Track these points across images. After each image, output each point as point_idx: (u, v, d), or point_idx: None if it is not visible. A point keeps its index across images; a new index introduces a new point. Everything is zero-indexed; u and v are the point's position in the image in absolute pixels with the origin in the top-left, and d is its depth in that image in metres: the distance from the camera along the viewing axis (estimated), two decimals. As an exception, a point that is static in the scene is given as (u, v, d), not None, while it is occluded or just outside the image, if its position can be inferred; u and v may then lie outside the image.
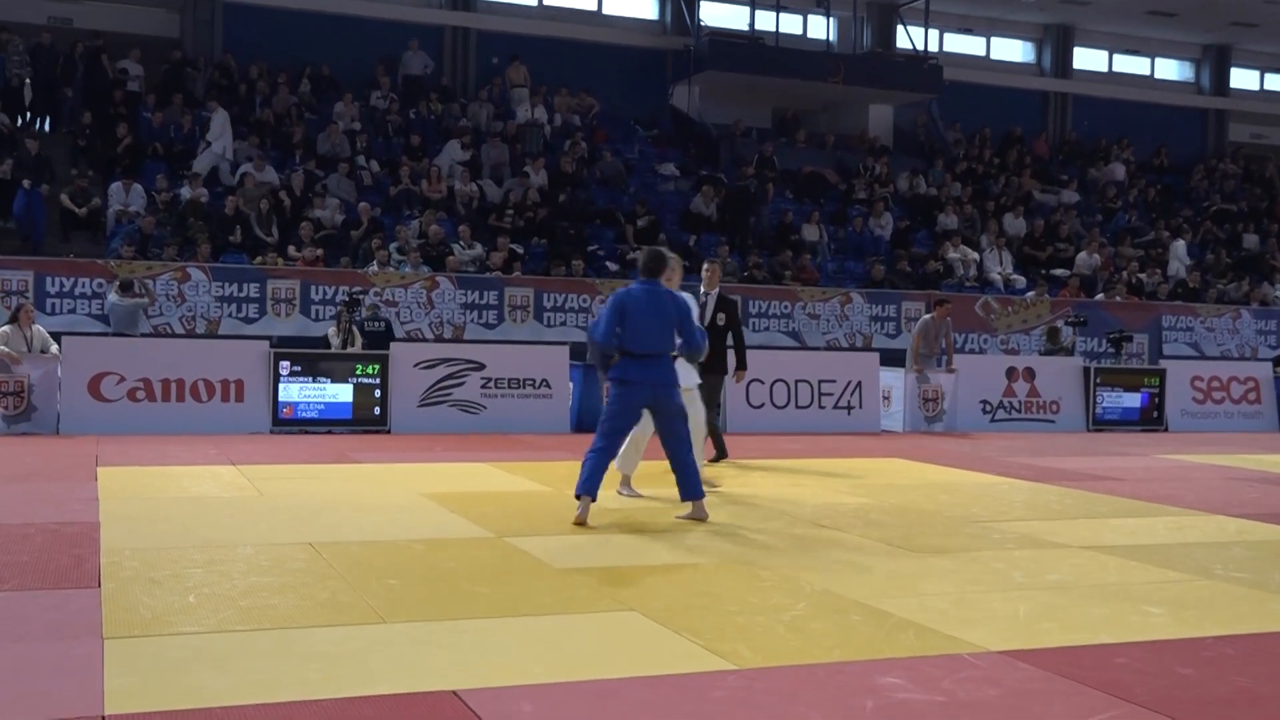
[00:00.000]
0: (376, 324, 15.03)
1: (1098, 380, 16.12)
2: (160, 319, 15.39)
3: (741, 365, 10.88)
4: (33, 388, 12.14)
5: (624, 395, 7.42)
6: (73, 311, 15.01)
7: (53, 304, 15.00)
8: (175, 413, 12.48)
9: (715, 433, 10.93)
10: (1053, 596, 5.67)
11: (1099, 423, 16.05)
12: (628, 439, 8.05)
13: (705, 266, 10.83)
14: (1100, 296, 20.71)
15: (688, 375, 8.43)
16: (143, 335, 14.51)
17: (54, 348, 12.58)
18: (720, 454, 11.00)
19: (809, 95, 25.58)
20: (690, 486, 7.58)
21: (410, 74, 22.45)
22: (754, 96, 25.15)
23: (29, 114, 19.78)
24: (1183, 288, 21.89)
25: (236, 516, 7.34)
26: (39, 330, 12.69)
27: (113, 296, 14.42)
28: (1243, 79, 30.57)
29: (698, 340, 7.63)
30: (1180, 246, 23.24)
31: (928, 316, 15.56)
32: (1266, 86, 31.03)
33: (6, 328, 12.36)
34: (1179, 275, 22.41)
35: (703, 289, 10.65)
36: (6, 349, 12.09)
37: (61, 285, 15.11)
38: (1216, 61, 29.91)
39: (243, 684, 4.01)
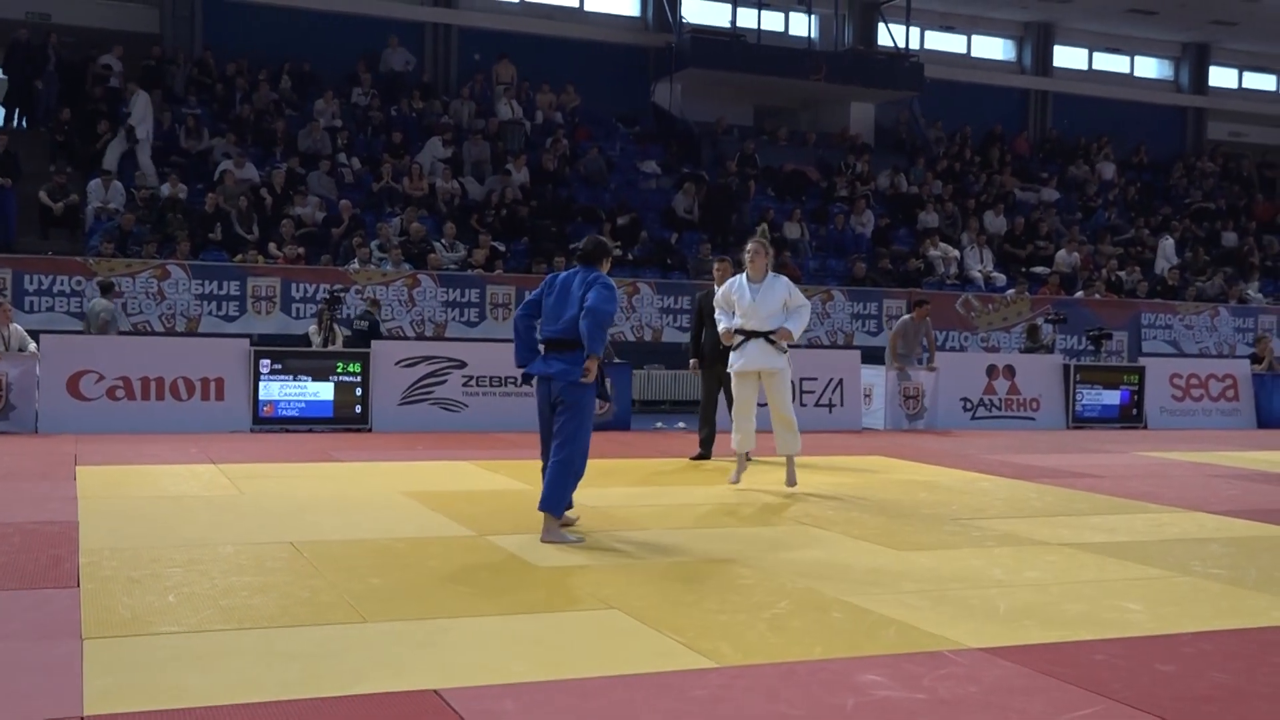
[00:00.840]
0: (363, 322, 14.98)
1: (1077, 378, 16.18)
2: (139, 317, 15.33)
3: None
4: (11, 386, 12.07)
5: (537, 394, 6.90)
6: (51, 309, 14.94)
7: (31, 302, 14.93)
8: (155, 411, 12.42)
9: (710, 432, 10.91)
10: (1032, 594, 5.69)
11: (1079, 420, 16.11)
12: (736, 415, 8.15)
13: (715, 266, 10.71)
14: (1080, 294, 20.80)
15: (769, 357, 8.49)
16: (122, 334, 14.45)
17: (32, 346, 12.52)
18: (706, 455, 10.91)
19: (791, 92, 25.62)
20: (546, 496, 6.70)
21: (391, 70, 22.40)
22: (736, 94, 25.17)
23: (2, 110, 19.66)
24: (1162, 285, 22.01)
25: (217, 515, 7.31)
26: (16, 329, 12.62)
27: (101, 301, 14.25)
28: (1222, 77, 30.75)
29: (580, 313, 6.58)
30: (1169, 245, 23.36)
31: (907, 317, 15.61)
32: (1245, 85, 31.22)
33: (-16, 326, 12.29)
34: (1165, 273, 22.49)
35: (717, 288, 10.48)
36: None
37: (40, 283, 15.03)
38: (1196, 60, 30.07)
39: (223, 684, 4.00)
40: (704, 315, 10.67)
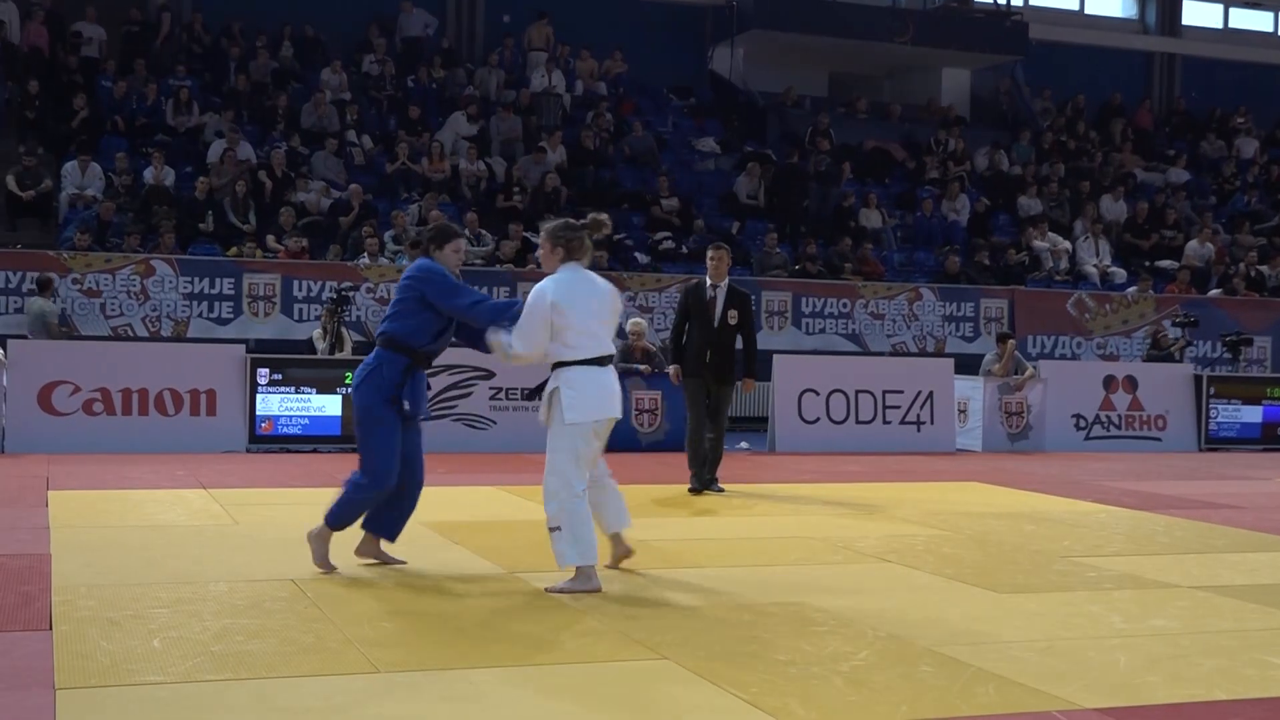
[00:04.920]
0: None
1: (1211, 391, 16.00)
2: (120, 320, 15.51)
3: (750, 373, 10.56)
4: (-26, 399, 12.24)
5: None
6: (19, 311, 15.11)
7: (-3, 302, 15.16)
8: (137, 428, 12.55)
9: (700, 455, 10.39)
10: (1158, 645, 5.63)
11: (1213, 440, 15.93)
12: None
13: (710, 253, 10.64)
14: (1214, 293, 20.56)
15: (598, 401, 6.52)
16: (99, 339, 14.63)
17: (-2, 353, 12.69)
18: (702, 484, 10.41)
19: (872, 58, 25.51)
20: (329, 509, 6.77)
21: (409, 36, 22.54)
22: (808, 59, 25.10)
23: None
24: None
25: (208, 548, 7.38)
26: (-20, 333, 12.78)
27: (40, 301, 14.37)
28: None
29: (462, 307, 6.60)
30: None
31: (991, 354, 15.82)
32: None
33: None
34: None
35: (709, 280, 10.53)
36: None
37: (7, 280, 15.25)
38: (1353, 16, 29.67)
39: (215, 742, 4.03)
40: (690, 312, 10.51)
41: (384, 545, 6.99)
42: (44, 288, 14.43)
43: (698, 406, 10.47)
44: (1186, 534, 8.91)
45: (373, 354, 6.78)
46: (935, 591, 6.71)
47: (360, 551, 6.94)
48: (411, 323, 6.69)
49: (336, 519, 6.74)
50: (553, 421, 6.52)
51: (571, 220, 6.79)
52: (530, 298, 6.45)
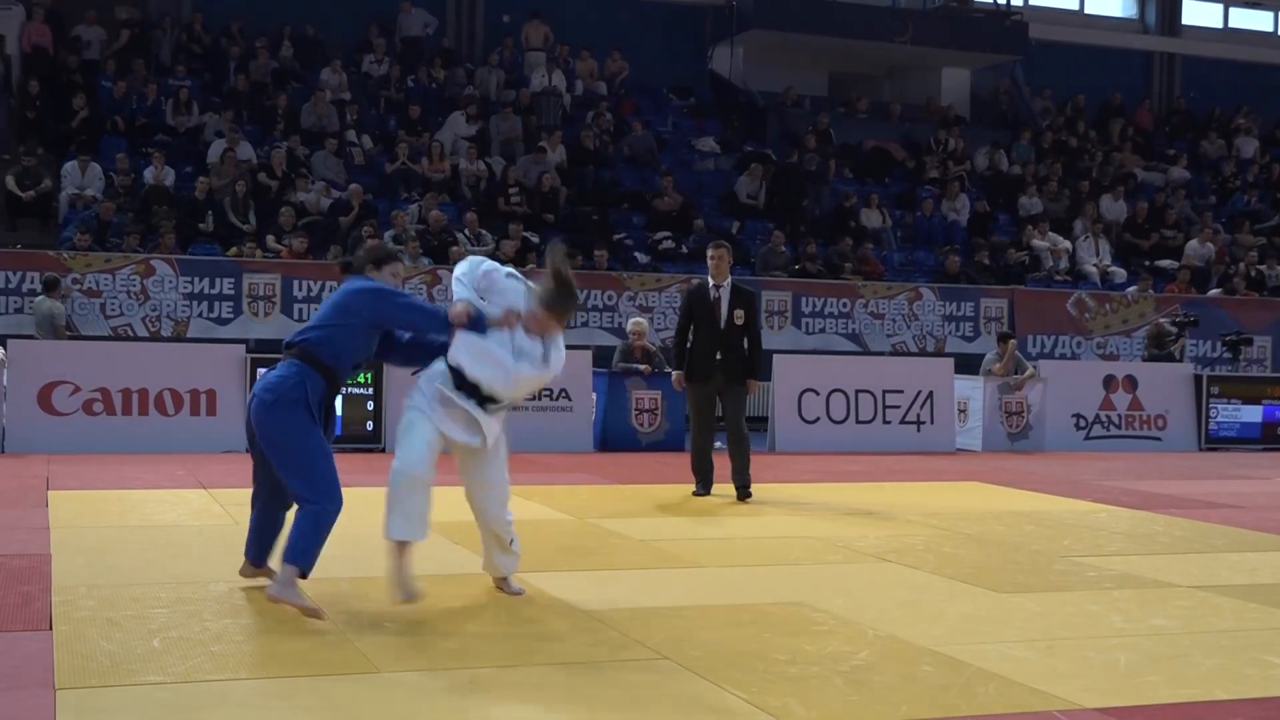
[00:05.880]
0: None
1: (1212, 391, 16.00)
2: (120, 320, 15.51)
3: (753, 374, 10.21)
4: (-26, 399, 12.24)
5: None
6: (19, 310, 15.13)
7: (-5, 302, 15.17)
8: (137, 428, 12.56)
9: (705, 465, 10.15)
10: (1158, 645, 5.64)
11: (1213, 440, 15.93)
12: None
13: (710, 252, 10.31)
14: (1214, 292, 20.56)
15: (469, 424, 6.18)
16: (99, 339, 14.63)
17: (-1, 352, 12.69)
18: (707, 489, 10.16)
19: (872, 57, 25.50)
20: (286, 546, 5.84)
21: (408, 35, 22.55)
22: (808, 59, 25.09)
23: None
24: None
25: (208, 548, 7.38)
26: (-20, 334, 12.78)
27: (48, 300, 14.35)
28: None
29: (419, 323, 6.24)
30: None
31: (991, 354, 15.79)
32: None
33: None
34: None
35: (711, 281, 10.21)
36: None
37: (7, 280, 15.25)
38: (1352, 15, 29.66)
39: (215, 742, 4.04)
40: (694, 315, 10.16)
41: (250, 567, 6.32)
42: (51, 288, 14.41)
43: (702, 414, 10.20)
44: (1186, 533, 8.91)
45: (288, 366, 6.00)
46: (935, 591, 6.71)
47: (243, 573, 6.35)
48: (342, 344, 6.02)
49: (309, 560, 5.78)
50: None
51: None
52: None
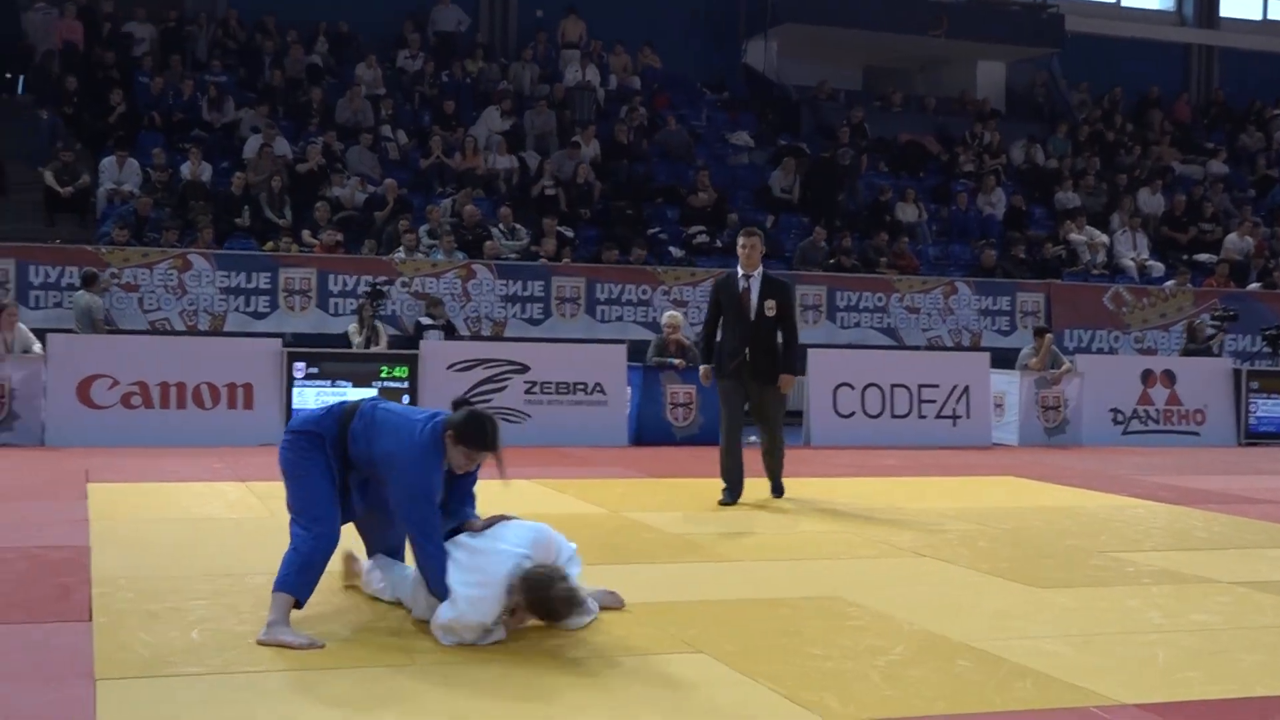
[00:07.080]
0: (436, 323, 15.18)
1: (1251, 385, 15.87)
2: (157, 314, 15.62)
3: (789, 369, 9.56)
4: (14, 392, 12.33)
5: None
6: (59, 305, 15.25)
7: (36, 297, 15.27)
8: (175, 421, 12.64)
9: (735, 467, 9.53)
10: (1198, 640, 5.60)
11: (1253, 435, 15.80)
12: None
13: (741, 240, 9.62)
14: (1254, 286, 20.40)
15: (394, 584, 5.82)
16: (137, 333, 14.72)
17: (36, 347, 12.77)
18: (734, 498, 9.51)
19: (907, 51, 25.42)
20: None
21: (443, 31, 22.62)
22: (842, 53, 25.04)
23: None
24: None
25: (245, 541, 7.42)
26: (21, 329, 12.86)
27: (86, 295, 14.42)
28: None
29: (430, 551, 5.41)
30: None
31: (1028, 349, 15.74)
32: None
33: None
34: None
35: (740, 270, 9.60)
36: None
37: (46, 275, 15.37)
38: (1395, 6, 29.36)
39: (253, 734, 4.06)
40: (722, 307, 9.58)
41: None
42: (89, 282, 14.46)
43: (732, 412, 9.54)
44: (1225, 529, 8.84)
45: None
46: (971, 586, 6.68)
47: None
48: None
49: (291, 584, 5.30)
50: None
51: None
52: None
